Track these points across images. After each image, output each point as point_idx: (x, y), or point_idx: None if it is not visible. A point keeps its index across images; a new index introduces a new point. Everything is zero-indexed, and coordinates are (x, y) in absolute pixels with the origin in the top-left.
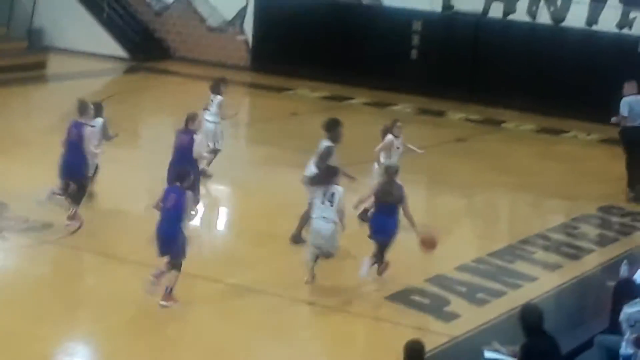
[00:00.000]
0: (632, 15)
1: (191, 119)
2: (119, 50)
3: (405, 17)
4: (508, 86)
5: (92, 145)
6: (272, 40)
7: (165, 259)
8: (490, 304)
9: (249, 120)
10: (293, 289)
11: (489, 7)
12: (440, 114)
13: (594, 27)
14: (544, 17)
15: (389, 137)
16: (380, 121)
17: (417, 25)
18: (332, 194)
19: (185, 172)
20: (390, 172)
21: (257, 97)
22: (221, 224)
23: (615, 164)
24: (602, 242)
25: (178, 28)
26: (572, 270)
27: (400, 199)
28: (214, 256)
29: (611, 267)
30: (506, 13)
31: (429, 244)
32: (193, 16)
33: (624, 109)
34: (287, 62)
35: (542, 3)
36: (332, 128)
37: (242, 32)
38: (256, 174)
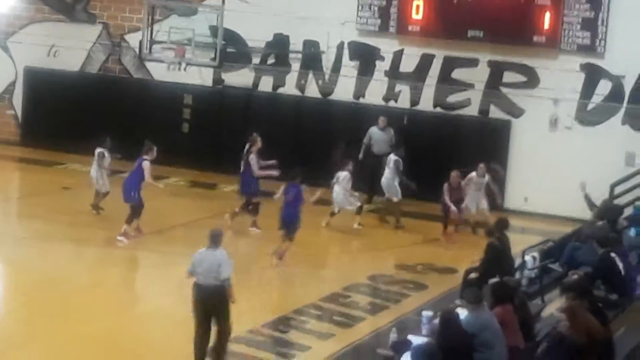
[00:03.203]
0: (397, 88)
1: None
2: None
3: (176, 91)
4: (279, 158)
5: None
6: (42, 114)
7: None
8: None
9: (20, 195)
10: None
11: (259, 81)
12: (212, 186)
13: (362, 100)
14: (312, 90)
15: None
16: (156, 195)
17: (188, 99)
18: None
19: (298, 173)
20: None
21: (27, 172)
22: None
23: (383, 233)
24: (373, 310)
25: None
26: (345, 339)
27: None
28: None
29: (382, 334)
30: (275, 87)
31: None
32: None
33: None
34: (58, 136)
35: (310, 77)
36: None
37: (11, 106)
38: (27, 250)
